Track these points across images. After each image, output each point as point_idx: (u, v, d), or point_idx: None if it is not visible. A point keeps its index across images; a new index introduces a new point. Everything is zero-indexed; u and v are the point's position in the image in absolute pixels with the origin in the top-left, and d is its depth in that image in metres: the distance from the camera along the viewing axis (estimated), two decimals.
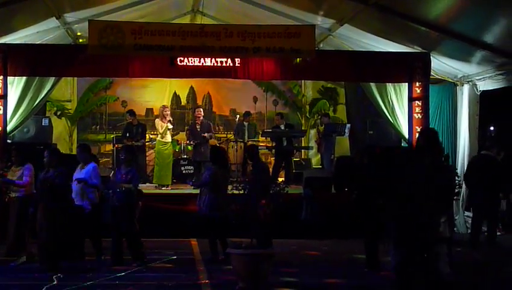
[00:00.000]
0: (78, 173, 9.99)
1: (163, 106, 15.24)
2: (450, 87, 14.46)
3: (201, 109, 15.78)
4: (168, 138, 14.72)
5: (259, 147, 15.80)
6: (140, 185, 14.48)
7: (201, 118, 15.46)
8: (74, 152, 12.61)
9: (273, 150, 15.60)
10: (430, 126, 13.65)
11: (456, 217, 13.92)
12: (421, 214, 6.62)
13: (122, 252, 10.02)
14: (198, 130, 15.24)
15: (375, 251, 9.55)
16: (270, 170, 15.30)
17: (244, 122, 16.01)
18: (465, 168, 12.69)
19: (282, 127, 15.45)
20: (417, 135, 12.01)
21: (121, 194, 9.90)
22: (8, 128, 12.74)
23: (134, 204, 10.11)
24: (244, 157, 15.13)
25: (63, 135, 17.13)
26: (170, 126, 14.58)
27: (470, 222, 14.18)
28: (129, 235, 9.98)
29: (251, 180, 9.33)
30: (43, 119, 14.06)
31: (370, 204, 9.32)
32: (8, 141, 12.84)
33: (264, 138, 16.39)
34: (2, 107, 12.60)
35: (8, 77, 12.71)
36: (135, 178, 10.16)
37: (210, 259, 10.27)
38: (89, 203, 9.94)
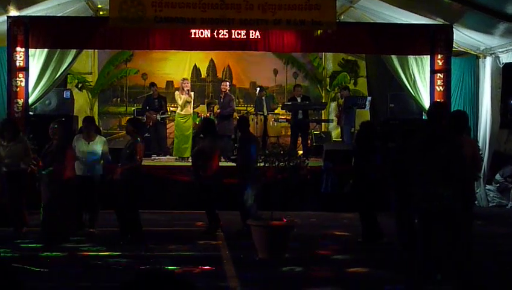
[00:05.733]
0: (86, 145, 10.22)
1: (183, 78, 15.22)
2: (472, 59, 14.33)
3: (227, 83, 15.65)
4: (188, 110, 14.70)
5: (280, 120, 15.84)
6: (160, 157, 14.75)
7: (226, 91, 15.25)
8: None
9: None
10: (452, 99, 13.63)
11: (477, 191, 13.86)
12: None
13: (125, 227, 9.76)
14: (221, 103, 15.18)
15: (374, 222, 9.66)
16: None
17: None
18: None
19: (299, 100, 15.37)
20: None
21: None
22: (30, 100, 12.85)
23: (135, 180, 9.72)
24: (264, 130, 15.15)
25: (84, 107, 17.19)
26: (190, 99, 14.55)
27: (491, 195, 14.18)
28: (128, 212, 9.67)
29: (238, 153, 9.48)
30: (65, 92, 14.05)
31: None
32: (30, 113, 12.95)
33: (284, 111, 16.36)
34: (23, 80, 12.69)
35: (30, 49, 12.77)
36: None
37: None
38: (99, 175, 10.33)
